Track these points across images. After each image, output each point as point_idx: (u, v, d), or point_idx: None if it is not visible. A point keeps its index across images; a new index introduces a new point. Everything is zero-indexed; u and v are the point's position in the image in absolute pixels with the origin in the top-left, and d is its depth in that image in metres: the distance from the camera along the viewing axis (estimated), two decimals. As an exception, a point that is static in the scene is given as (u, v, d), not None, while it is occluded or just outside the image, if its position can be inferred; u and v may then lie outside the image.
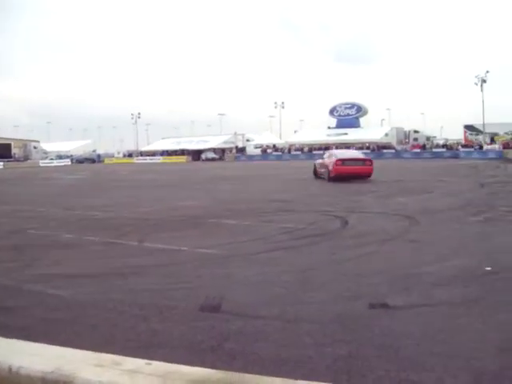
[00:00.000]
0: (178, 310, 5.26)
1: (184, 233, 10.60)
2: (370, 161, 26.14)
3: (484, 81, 73.83)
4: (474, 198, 16.15)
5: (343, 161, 25.07)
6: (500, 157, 56.53)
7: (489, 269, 6.65)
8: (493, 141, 73.14)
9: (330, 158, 26.29)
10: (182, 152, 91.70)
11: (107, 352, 3.06)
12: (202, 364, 3.29)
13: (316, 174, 28.26)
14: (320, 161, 28.53)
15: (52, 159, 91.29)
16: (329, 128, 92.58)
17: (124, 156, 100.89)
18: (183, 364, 2.93)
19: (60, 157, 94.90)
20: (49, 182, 35.18)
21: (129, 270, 7.23)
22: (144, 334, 4.60)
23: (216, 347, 4.22)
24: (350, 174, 24.29)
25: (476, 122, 77.74)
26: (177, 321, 4.94)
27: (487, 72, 74.55)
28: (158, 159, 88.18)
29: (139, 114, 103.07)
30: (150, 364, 2.70)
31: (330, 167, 25.03)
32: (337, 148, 78.15)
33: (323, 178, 26.17)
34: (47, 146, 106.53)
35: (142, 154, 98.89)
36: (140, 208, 15.19)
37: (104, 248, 9.01)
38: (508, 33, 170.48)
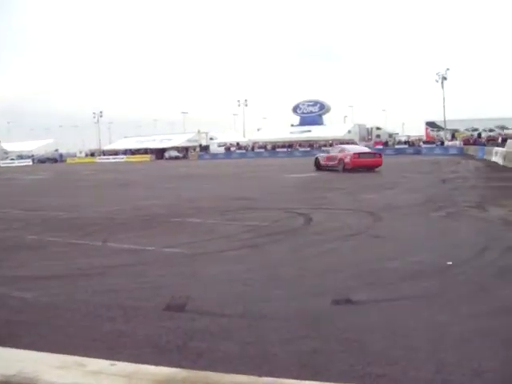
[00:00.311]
0: (144, 310, 5.23)
1: (148, 232, 10.53)
2: (380, 154, 31.68)
3: (444, 78, 75.04)
4: (436, 193, 16.41)
5: (359, 154, 29.73)
6: (461, 153, 57.57)
7: (450, 263, 6.77)
8: (454, 137, 74.50)
9: (342, 152, 30.51)
10: (146, 151, 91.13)
11: (72, 354, 3.03)
12: (168, 363, 3.28)
13: (318, 167, 31.99)
14: (325, 154, 33.09)
15: (13, 159, 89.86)
16: (292, 125, 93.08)
17: (86, 155, 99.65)
18: (149, 364, 2.91)
19: (21, 157, 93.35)
20: (10, 182, 34.58)
21: (93, 270, 7.14)
22: (109, 334, 4.57)
23: (182, 346, 4.21)
24: (365, 166, 28.73)
25: (437, 118, 79.00)
26: (142, 321, 4.91)
27: (447, 69, 75.83)
28: (122, 158, 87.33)
29: (101, 112, 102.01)
30: (114, 365, 2.68)
31: (347, 160, 28.98)
32: (300, 145, 79.36)
33: (330, 170, 30.05)
34: (8, 146, 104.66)
35: (104, 153, 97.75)
36: (104, 208, 15.02)
37: (68, 249, 8.88)
38: (467, 31, 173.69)
